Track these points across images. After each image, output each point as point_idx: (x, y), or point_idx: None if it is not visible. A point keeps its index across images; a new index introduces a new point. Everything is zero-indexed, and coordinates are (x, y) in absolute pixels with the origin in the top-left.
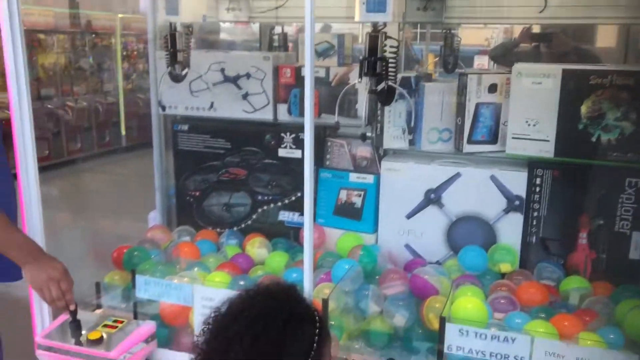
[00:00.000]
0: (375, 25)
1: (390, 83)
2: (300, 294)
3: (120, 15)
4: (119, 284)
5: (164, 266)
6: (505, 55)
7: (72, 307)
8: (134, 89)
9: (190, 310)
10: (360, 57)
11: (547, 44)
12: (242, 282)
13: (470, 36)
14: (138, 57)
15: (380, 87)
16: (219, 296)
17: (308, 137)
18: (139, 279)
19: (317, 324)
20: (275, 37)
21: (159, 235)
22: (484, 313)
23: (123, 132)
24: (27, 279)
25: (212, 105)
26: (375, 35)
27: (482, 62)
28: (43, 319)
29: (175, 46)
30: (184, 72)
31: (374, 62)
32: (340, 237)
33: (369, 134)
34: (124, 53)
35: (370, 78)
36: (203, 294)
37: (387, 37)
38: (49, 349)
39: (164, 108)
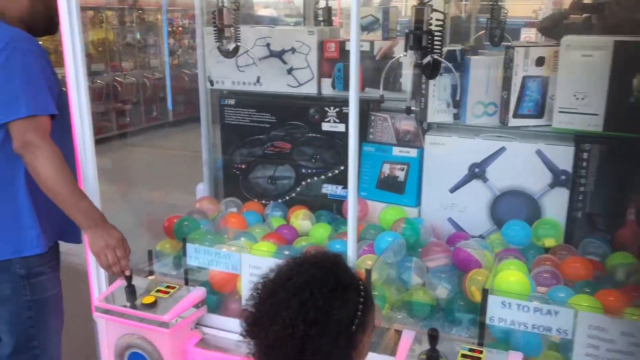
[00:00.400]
0: None
1: (435, 56)
2: (345, 263)
3: None
4: (170, 252)
5: (213, 235)
6: (554, 28)
7: (127, 273)
8: (179, 65)
9: (238, 278)
10: (406, 31)
11: (598, 15)
12: (286, 252)
13: (517, 8)
14: (183, 32)
15: (425, 60)
16: (266, 264)
17: (353, 111)
18: (190, 247)
19: (362, 293)
20: (320, 11)
21: (207, 206)
22: (527, 286)
23: (170, 106)
24: (87, 242)
25: (258, 80)
26: (421, 8)
27: (529, 35)
28: (100, 284)
29: (223, 21)
30: (232, 47)
31: (419, 35)
32: (383, 210)
33: (413, 108)
34: (170, 29)
35: (416, 51)
36: (250, 262)
37: (433, 10)
38: (105, 311)
39: (212, 83)
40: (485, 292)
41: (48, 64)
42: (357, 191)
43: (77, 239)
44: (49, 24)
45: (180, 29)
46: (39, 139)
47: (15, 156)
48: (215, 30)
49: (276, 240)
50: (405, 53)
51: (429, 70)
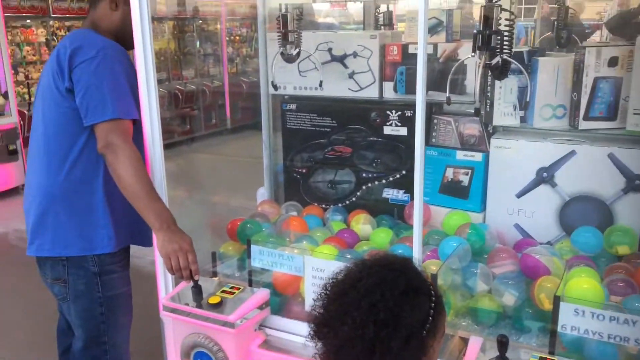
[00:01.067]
0: None
1: (505, 57)
2: (415, 266)
3: (226, 1)
4: (233, 254)
5: (275, 238)
6: (624, 26)
7: (196, 278)
8: (237, 72)
9: (301, 280)
10: (474, 31)
11: None
12: (348, 256)
13: (581, 10)
14: (241, 41)
15: (494, 61)
16: (328, 267)
17: (420, 114)
18: (254, 249)
19: (433, 298)
20: (381, 15)
21: (268, 209)
22: (600, 294)
23: (228, 114)
24: (158, 245)
25: (320, 84)
26: (491, 8)
27: (593, 37)
28: (167, 284)
29: (287, 27)
30: (295, 52)
31: (488, 36)
32: (447, 214)
33: (478, 109)
34: (228, 38)
35: (484, 52)
36: (313, 264)
37: (502, 10)
38: (172, 310)
39: (276, 87)
40: (557, 300)
41: (133, 73)
42: (422, 195)
43: (147, 243)
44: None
45: (239, 37)
46: (121, 140)
47: (96, 158)
48: (278, 36)
49: (337, 244)
50: (473, 54)
51: (498, 72)
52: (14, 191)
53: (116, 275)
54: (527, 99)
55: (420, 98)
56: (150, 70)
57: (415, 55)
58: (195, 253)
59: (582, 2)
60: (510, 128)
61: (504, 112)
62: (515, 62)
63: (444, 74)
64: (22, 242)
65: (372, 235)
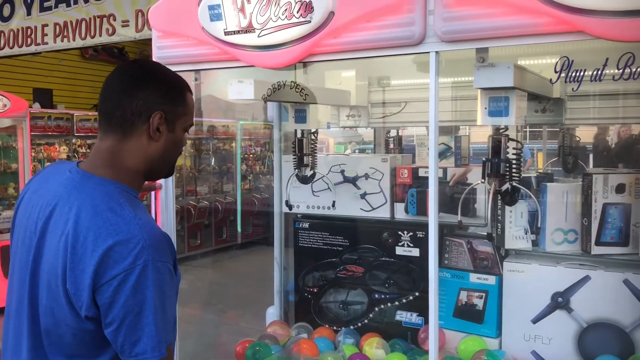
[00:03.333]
0: (497, 128)
1: (514, 183)
2: None
3: (241, 122)
4: None
5: None
6: (628, 152)
7: None
8: (250, 189)
9: None
10: (483, 159)
11: None
12: None
13: (583, 135)
14: (255, 159)
15: (504, 187)
16: None
17: (433, 236)
18: None
19: None
20: (391, 139)
21: (278, 330)
22: None
23: (239, 229)
24: None
25: (333, 204)
26: (498, 138)
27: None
28: None
29: (303, 150)
30: (310, 174)
31: (497, 164)
32: (462, 340)
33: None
34: (243, 156)
35: (494, 179)
36: None
37: (509, 139)
38: None
39: (290, 207)
40: None
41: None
42: (437, 320)
43: None
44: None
45: (252, 156)
46: None
47: None
48: (294, 158)
49: None
50: (483, 180)
51: (508, 197)
52: None
53: None
54: (539, 224)
55: (432, 220)
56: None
57: (425, 178)
58: None
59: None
60: (522, 251)
61: (516, 236)
62: (524, 189)
63: (454, 197)
64: None
65: None
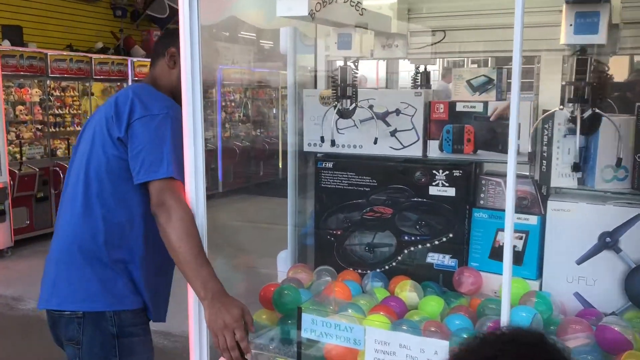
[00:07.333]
0: (583, 47)
1: (597, 110)
2: (554, 343)
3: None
4: (266, 323)
5: (318, 306)
6: None
7: (248, 357)
8: (230, 137)
9: (359, 353)
10: (562, 83)
11: None
12: (404, 327)
13: None
14: (234, 107)
15: (586, 114)
16: (393, 339)
17: (511, 177)
18: (306, 318)
19: None
20: (418, 76)
21: (301, 274)
22: None
23: (220, 177)
24: (205, 318)
25: (376, 141)
26: (585, 59)
27: None
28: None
29: (346, 80)
30: (352, 107)
31: (583, 87)
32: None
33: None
34: (223, 104)
35: (576, 105)
36: (377, 336)
37: (596, 62)
38: None
39: (333, 143)
40: None
41: None
42: (466, 261)
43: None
44: None
45: (233, 103)
46: (175, 200)
47: (140, 212)
48: (334, 91)
49: (386, 313)
50: (562, 106)
51: (587, 126)
52: None
53: (137, 339)
54: (584, 161)
55: (512, 157)
56: (199, 129)
57: (463, 114)
58: (243, 327)
59: None
60: (567, 190)
61: (562, 173)
62: (606, 116)
63: (494, 133)
64: (8, 309)
65: (421, 304)
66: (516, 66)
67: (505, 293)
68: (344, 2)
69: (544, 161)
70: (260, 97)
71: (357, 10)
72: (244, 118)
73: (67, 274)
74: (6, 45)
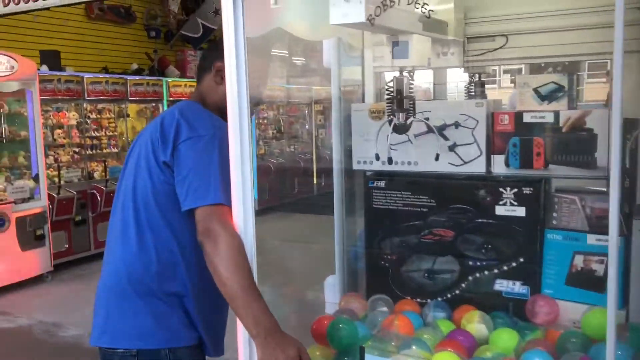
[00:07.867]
0: None
1: None
2: None
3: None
4: None
5: (380, 342)
6: None
7: None
8: (265, 154)
9: None
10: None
11: None
12: None
13: None
14: (267, 124)
15: None
16: None
17: (615, 197)
18: (369, 359)
19: None
20: (472, 86)
21: (354, 304)
22: None
23: (255, 195)
24: (258, 356)
25: (437, 157)
26: None
27: None
28: None
29: (403, 92)
30: (409, 121)
31: None
32: (585, 312)
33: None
34: (256, 121)
35: None
36: None
37: None
38: None
39: (390, 161)
40: None
41: None
42: (539, 288)
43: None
44: None
45: (266, 120)
46: (223, 227)
47: (188, 242)
48: (389, 104)
49: (454, 350)
50: None
51: None
52: (39, 279)
53: None
54: None
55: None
56: (246, 150)
57: (530, 125)
58: None
59: None
60: None
61: None
62: None
63: (568, 146)
64: (48, 336)
65: (492, 337)
66: (617, 69)
67: (610, 334)
68: (408, 3)
69: (627, 176)
70: (294, 113)
71: (424, 12)
72: (278, 134)
73: (119, 309)
74: (44, 69)
